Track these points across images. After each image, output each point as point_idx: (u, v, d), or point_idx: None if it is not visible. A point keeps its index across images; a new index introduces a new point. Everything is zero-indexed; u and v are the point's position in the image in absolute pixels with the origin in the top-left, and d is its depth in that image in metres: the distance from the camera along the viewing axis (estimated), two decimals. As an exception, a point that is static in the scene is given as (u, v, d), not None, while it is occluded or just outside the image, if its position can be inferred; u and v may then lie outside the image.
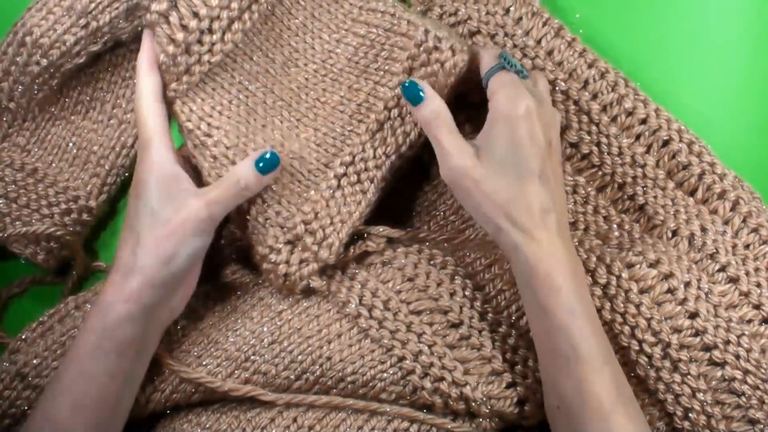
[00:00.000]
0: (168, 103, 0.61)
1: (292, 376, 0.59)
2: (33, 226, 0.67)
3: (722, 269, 0.58)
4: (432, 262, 0.62)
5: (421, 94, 0.58)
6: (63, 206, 0.68)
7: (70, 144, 0.70)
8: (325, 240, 0.60)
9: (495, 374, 0.59)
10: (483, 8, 0.66)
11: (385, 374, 0.59)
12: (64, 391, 0.55)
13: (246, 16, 0.62)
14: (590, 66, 0.64)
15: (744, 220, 0.60)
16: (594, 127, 0.63)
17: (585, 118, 0.64)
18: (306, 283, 0.60)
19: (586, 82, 0.64)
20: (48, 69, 0.66)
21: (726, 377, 0.56)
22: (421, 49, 0.61)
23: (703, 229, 0.59)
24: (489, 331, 0.60)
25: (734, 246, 0.59)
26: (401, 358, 0.58)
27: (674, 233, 0.60)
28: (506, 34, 0.65)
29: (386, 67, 0.63)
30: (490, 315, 0.61)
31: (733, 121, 0.67)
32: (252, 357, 0.59)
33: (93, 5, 0.64)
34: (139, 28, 0.66)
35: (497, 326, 0.60)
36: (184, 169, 0.59)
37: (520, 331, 0.60)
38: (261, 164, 0.59)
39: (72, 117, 0.70)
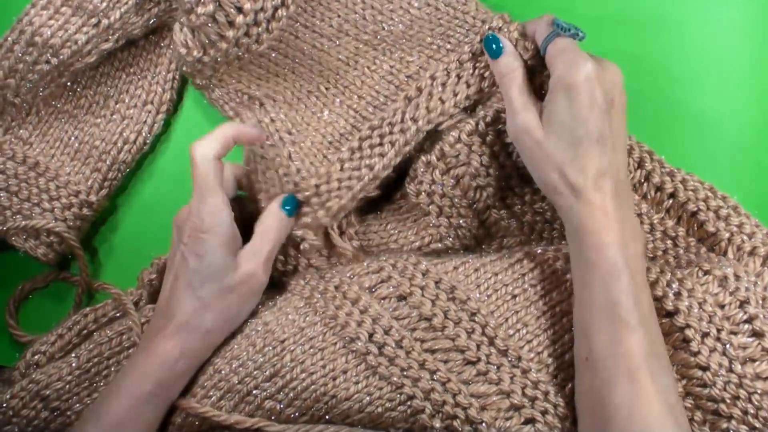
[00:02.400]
0: (208, 77, 0.64)
1: (297, 413, 0.57)
2: (33, 219, 0.67)
3: (749, 321, 0.56)
4: (451, 296, 0.59)
5: (500, 47, 0.61)
6: (64, 200, 0.68)
7: (72, 138, 0.70)
8: (327, 202, 0.61)
9: (514, 409, 0.56)
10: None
11: (394, 413, 0.56)
12: (116, 427, 0.57)
13: (288, 1, 0.62)
14: None
15: None
16: None
17: None
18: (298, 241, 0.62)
19: None
20: (58, 68, 0.66)
21: (732, 429, 0.55)
22: (488, 28, 0.62)
23: (737, 277, 0.58)
24: (509, 366, 0.57)
25: (764, 299, 0.58)
26: (411, 397, 0.56)
27: (706, 273, 0.58)
28: None
29: (441, 43, 0.64)
30: (510, 351, 0.58)
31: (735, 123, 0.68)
32: (254, 391, 0.57)
33: (104, 4, 0.64)
34: (151, 21, 0.67)
35: (518, 361, 0.57)
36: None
37: (541, 365, 0.58)
38: (288, 207, 0.62)
39: (75, 111, 0.70)
